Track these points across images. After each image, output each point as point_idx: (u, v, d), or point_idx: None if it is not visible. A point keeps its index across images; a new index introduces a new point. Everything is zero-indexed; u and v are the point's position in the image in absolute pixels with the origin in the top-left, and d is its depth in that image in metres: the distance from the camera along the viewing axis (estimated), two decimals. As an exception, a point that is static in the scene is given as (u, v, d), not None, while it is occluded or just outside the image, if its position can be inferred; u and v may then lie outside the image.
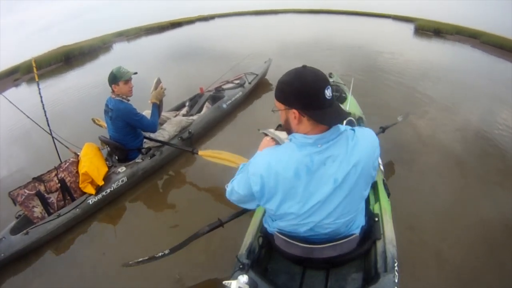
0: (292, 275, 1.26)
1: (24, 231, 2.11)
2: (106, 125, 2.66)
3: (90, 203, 2.35)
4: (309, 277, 1.24)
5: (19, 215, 2.28)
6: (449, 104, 3.67)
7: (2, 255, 2.01)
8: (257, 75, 3.99)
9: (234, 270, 1.19)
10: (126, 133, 2.54)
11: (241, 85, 3.75)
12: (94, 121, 3.14)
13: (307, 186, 0.99)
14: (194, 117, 3.07)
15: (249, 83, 3.83)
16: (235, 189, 1.14)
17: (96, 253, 2.13)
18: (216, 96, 3.51)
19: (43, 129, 2.65)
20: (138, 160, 2.63)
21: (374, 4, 9.30)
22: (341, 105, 2.63)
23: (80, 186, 2.37)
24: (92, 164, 2.39)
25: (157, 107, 2.64)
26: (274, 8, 10.51)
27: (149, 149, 2.69)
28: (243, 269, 1.16)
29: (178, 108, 3.49)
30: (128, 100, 2.48)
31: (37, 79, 2.78)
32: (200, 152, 2.49)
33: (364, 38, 6.68)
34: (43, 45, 7.45)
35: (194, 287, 1.81)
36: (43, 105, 2.67)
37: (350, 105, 2.46)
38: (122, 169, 2.54)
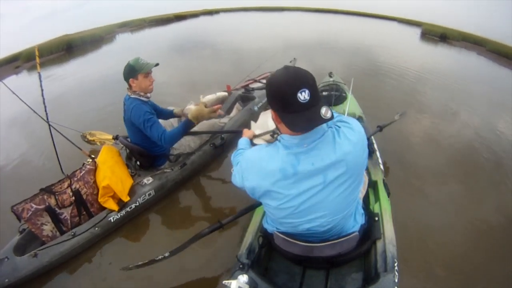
0: (292, 275, 1.26)
1: (32, 253, 1.75)
2: (100, 139, 2.54)
3: (112, 220, 1.97)
4: (309, 277, 1.24)
5: (23, 229, 1.90)
6: (451, 108, 3.68)
7: (7, 280, 1.65)
8: None
9: (234, 270, 1.19)
10: (147, 138, 2.05)
11: None
12: (84, 137, 2.81)
13: (294, 184, 0.99)
14: (225, 120, 2.70)
15: None
16: (236, 177, 1.18)
17: (117, 275, 1.80)
18: (245, 96, 3.14)
19: (55, 128, 2.33)
20: (166, 169, 2.24)
21: (381, 6, 9.23)
22: (341, 105, 2.45)
23: (100, 200, 1.98)
24: (114, 175, 2.00)
25: (189, 127, 2.04)
26: (280, 5, 10.29)
27: (178, 156, 2.32)
28: (243, 269, 1.16)
29: None
30: (148, 98, 2.07)
31: (39, 70, 2.41)
32: None
33: (371, 39, 6.59)
34: (45, 33, 7.08)
35: (194, 287, 1.75)
36: (43, 99, 2.37)
37: (350, 104, 2.47)
38: (148, 180, 2.16)
